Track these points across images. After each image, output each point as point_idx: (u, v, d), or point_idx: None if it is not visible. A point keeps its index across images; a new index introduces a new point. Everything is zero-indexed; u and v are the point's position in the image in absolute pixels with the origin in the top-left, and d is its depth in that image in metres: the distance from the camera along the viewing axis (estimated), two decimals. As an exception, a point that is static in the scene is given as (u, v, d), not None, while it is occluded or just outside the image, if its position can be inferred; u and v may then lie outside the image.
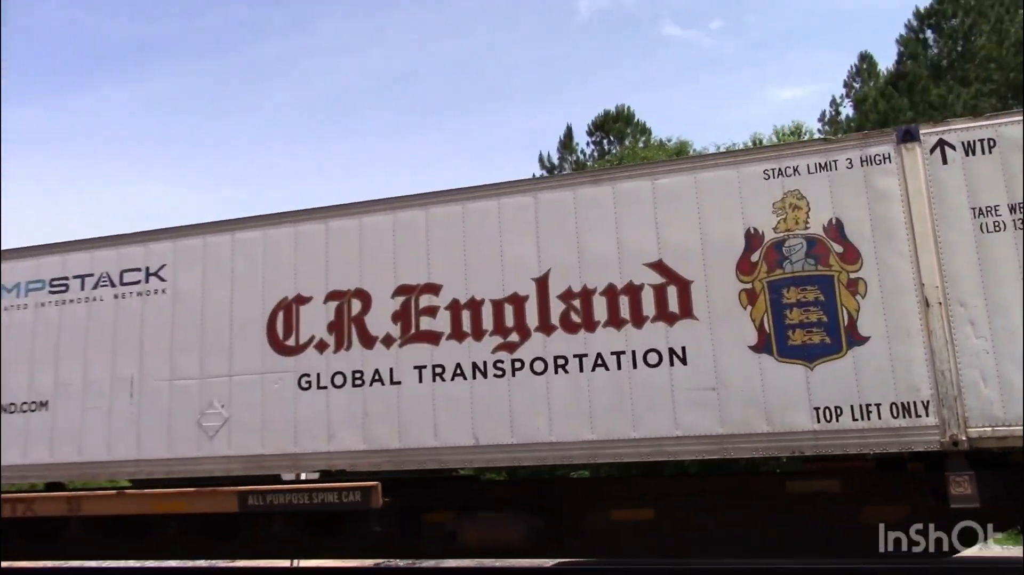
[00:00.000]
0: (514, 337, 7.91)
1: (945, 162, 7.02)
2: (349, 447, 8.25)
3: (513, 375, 7.85)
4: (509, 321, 7.95)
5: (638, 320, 7.57)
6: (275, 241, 8.94)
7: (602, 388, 7.57)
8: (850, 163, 7.28)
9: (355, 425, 8.26)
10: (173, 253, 9.29)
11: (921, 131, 7.17)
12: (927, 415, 6.73)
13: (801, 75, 60.77)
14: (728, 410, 7.21)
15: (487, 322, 8.02)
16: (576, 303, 7.79)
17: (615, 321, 7.63)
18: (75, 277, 9.64)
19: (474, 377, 7.95)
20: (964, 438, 6.63)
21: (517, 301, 7.97)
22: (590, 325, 7.70)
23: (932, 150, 7.10)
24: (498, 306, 8.01)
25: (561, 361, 7.74)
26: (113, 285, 9.45)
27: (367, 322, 8.41)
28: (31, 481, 9.60)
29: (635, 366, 7.51)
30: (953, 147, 7.03)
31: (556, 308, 7.83)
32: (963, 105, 22.62)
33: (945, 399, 6.69)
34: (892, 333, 6.89)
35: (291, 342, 8.63)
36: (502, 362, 7.90)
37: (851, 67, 32.62)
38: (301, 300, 8.68)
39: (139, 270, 9.39)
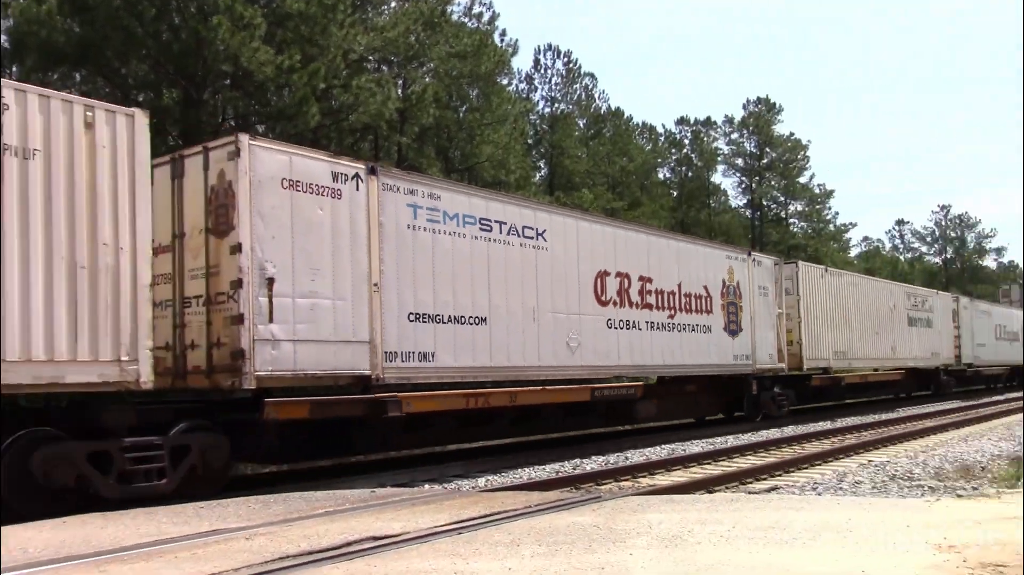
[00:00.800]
0: (671, 312, 15.98)
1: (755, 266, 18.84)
2: (628, 363, 14.67)
3: (670, 331, 15.95)
4: (672, 303, 15.96)
5: (700, 312, 16.83)
6: (598, 233, 14.29)
7: (691, 342, 16.53)
8: (740, 259, 18.33)
9: (629, 351, 14.71)
10: (549, 223, 13.29)
11: (752, 253, 18.88)
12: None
13: None
14: (721, 355, 17.31)
15: (666, 303, 15.81)
16: (689, 300, 16.45)
17: (695, 310, 16.68)
18: (496, 222, 12.33)
19: (658, 330, 15.65)
20: (757, 369, 18.55)
21: (674, 294, 16.05)
22: (690, 310, 16.51)
23: (743, 260, 18.75)
24: (670, 294, 15.90)
25: (683, 327, 16.30)
26: (519, 235, 12.71)
27: (630, 293, 14.90)
28: (476, 378, 11.80)
29: (702, 333, 16.77)
30: (756, 262, 18.90)
31: (683, 301, 16.30)
32: None
33: (754, 354, 18.45)
34: (749, 329, 18.31)
35: (604, 298, 14.30)
36: (669, 324, 15.89)
37: None
38: (606, 274, 14.40)
39: (533, 229, 12.97)
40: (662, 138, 53.85)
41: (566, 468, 12.43)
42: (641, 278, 15.29)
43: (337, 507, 7.76)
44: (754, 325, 18.53)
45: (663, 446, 14.99)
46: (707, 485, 10.44)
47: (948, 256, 79.99)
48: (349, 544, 5.91)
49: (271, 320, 9.25)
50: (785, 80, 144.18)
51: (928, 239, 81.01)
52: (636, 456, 13.66)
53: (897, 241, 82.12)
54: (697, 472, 11.98)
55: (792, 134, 56.24)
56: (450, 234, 11.61)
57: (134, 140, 8.16)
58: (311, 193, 9.82)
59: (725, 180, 57.95)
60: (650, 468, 12.15)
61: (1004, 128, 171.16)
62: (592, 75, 45.92)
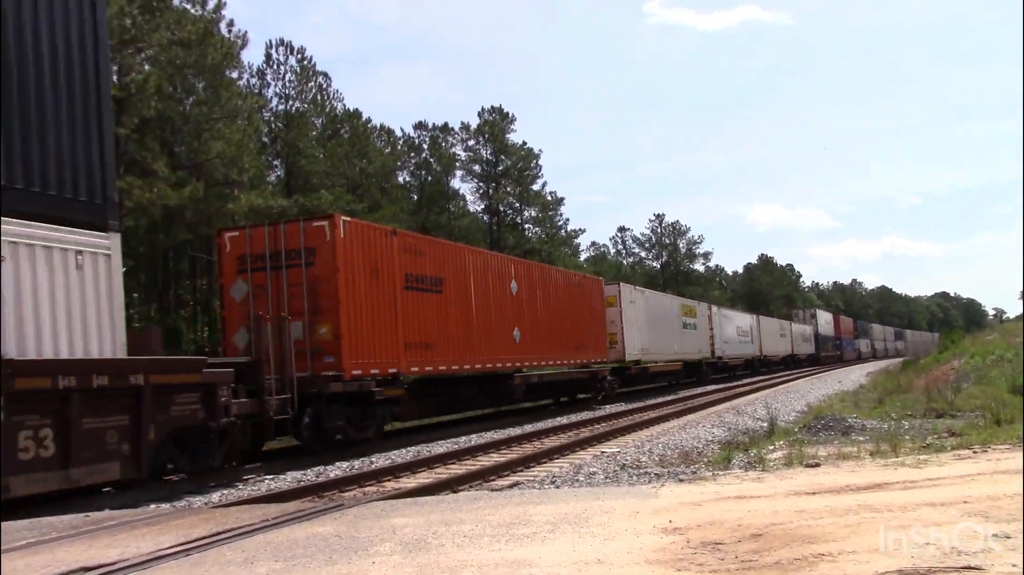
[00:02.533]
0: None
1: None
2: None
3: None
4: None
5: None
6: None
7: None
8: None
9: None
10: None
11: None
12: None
13: None
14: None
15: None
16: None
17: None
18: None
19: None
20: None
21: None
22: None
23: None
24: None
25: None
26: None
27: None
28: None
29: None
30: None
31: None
32: None
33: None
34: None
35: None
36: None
37: None
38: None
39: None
40: (401, 142, 54.27)
41: (309, 476, 12.12)
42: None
43: (41, 537, 7.05)
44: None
45: (408, 448, 14.89)
46: (452, 485, 10.48)
47: (664, 260, 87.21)
48: (53, 579, 5.26)
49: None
50: (517, 90, 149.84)
51: (647, 245, 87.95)
52: (381, 460, 13.46)
53: (620, 246, 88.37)
54: (442, 472, 12.04)
55: (525, 143, 58.83)
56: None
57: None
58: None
59: (464, 185, 59.41)
60: (395, 471, 12.03)
61: (704, 144, 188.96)
62: (326, 74, 44.98)
